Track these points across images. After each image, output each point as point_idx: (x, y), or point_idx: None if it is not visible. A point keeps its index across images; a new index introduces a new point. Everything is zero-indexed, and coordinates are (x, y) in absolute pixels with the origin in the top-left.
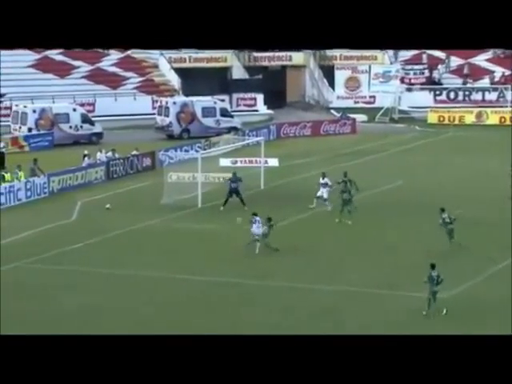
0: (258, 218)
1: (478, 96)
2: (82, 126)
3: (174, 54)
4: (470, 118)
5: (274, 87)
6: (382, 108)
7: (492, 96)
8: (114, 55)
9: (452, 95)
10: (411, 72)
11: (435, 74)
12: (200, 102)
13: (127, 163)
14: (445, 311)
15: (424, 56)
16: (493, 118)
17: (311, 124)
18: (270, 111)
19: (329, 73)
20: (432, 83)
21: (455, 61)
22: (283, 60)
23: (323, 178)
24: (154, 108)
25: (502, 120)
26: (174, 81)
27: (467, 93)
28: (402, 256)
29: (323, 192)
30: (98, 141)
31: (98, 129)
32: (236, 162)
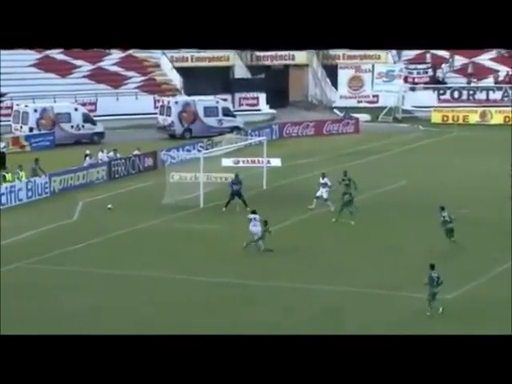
0: (254, 216)
1: (482, 95)
2: (83, 126)
3: (175, 53)
4: (474, 118)
5: (277, 86)
6: (385, 107)
7: (496, 95)
8: (116, 54)
9: (456, 95)
10: (415, 71)
11: (439, 74)
12: (202, 101)
13: (129, 163)
14: (441, 310)
15: (428, 55)
16: (497, 118)
17: (314, 124)
18: (272, 111)
19: (332, 72)
20: (436, 82)
21: (459, 60)
22: (286, 59)
23: (323, 178)
24: (155, 107)
25: (507, 119)
26: (176, 80)
27: (471, 92)
28: (405, 256)
29: (323, 192)
30: (100, 140)
31: (99, 128)
32: (238, 161)
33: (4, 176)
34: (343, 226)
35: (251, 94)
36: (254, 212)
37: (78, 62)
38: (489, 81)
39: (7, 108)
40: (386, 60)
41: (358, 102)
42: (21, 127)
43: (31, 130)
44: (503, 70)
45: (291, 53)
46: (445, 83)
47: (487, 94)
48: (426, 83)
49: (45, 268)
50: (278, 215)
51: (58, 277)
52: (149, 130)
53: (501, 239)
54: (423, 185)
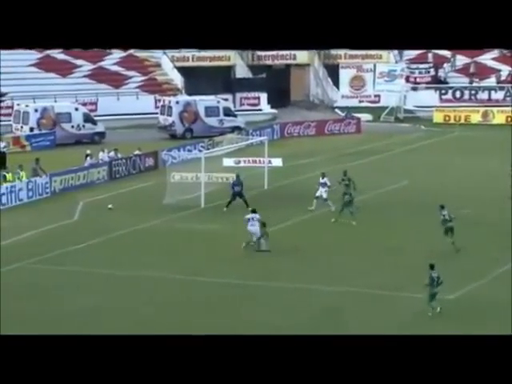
0: (253, 216)
1: (484, 95)
2: (84, 126)
3: (176, 52)
4: (476, 118)
5: (278, 86)
6: (387, 107)
7: (498, 95)
8: (117, 54)
9: (458, 94)
10: (416, 71)
11: (441, 73)
12: (203, 101)
13: (130, 163)
14: (439, 309)
15: (430, 55)
16: (499, 118)
17: (315, 123)
18: (273, 110)
19: (333, 72)
20: (438, 82)
21: (461, 59)
22: (287, 59)
23: (322, 178)
24: (156, 107)
25: (509, 119)
26: (177, 80)
27: (473, 92)
28: (406, 257)
29: (322, 192)
30: (101, 140)
31: (100, 128)
32: (239, 161)
33: (4, 176)
34: (344, 226)
35: (252, 94)
36: (253, 211)
37: (79, 62)
38: (491, 80)
39: (8, 108)
40: (387, 59)
41: (360, 101)
42: (21, 127)
43: (32, 129)
44: (505, 70)
45: (292, 52)
46: (447, 83)
47: (489, 94)
48: (427, 83)
49: (45, 268)
50: (279, 215)
51: (58, 277)
52: (150, 129)
53: (501, 239)
54: (425, 185)
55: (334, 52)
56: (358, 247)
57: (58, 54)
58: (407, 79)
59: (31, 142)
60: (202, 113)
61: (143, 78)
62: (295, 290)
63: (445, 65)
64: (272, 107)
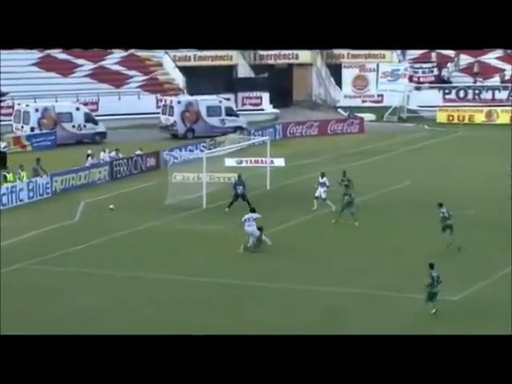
0: (249, 217)
1: (488, 95)
2: (85, 126)
3: (178, 52)
4: (479, 118)
5: (280, 86)
6: (390, 107)
7: (502, 95)
8: (118, 53)
9: (461, 94)
10: (420, 70)
11: (444, 73)
12: (205, 100)
13: (131, 163)
14: (434, 311)
15: (433, 54)
16: (503, 117)
17: (318, 123)
18: (276, 110)
19: (336, 71)
20: (441, 82)
21: (465, 59)
22: (289, 58)
23: (322, 178)
24: (158, 107)
25: None
26: (179, 79)
27: (477, 91)
28: (407, 257)
29: (321, 192)
30: (102, 140)
31: (101, 128)
32: (241, 162)
33: (5, 176)
34: (346, 226)
35: (254, 94)
36: (252, 210)
37: (80, 61)
38: (495, 80)
39: (8, 107)
40: (390, 59)
41: (363, 101)
42: (22, 127)
43: (32, 129)
44: (509, 69)
45: (295, 52)
46: (450, 82)
47: (493, 94)
48: (431, 82)
49: (46, 269)
50: (281, 215)
51: (58, 278)
52: (151, 129)
53: (501, 239)
54: (428, 185)
55: (336, 51)
56: (359, 247)
57: (58, 53)
58: (410, 79)
59: (32, 141)
60: (203, 113)
61: (145, 77)
62: (295, 291)
63: (448, 64)
64: (274, 107)
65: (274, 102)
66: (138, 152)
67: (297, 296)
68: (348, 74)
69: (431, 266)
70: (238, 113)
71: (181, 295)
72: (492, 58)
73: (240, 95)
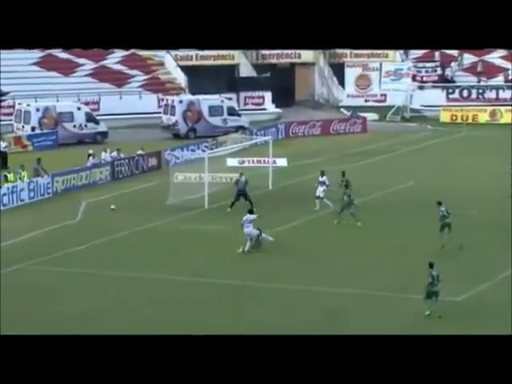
0: (245, 218)
1: (491, 94)
2: (86, 125)
3: (180, 51)
4: (483, 117)
5: (283, 85)
6: (393, 106)
7: (506, 94)
8: (119, 53)
9: (465, 93)
10: (423, 70)
11: (448, 72)
12: (207, 100)
13: (132, 163)
14: (428, 313)
15: (436, 53)
16: (507, 117)
17: (321, 123)
18: (278, 110)
19: (339, 70)
20: (444, 81)
21: (468, 58)
22: (292, 57)
23: (322, 176)
24: (159, 107)
25: None
26: (181, 79)
27: (481, 91)
28: (409, 257)
29: (320, 191)
30: (103, 140)
31: (102, 128)
32: (244, 161)
33: (6, 176)
34: (348, 226)
35: (257, 93)
36: (249, 212)
37: (81, 61)
38: (499, 79)
39: (9, 107)
40: (393, 58)
41: (366, 100)
42: (23, 127)
43: (33, 129)
44: None
45: (297, 51)
46: (454, 82)
47: (497, 93)
48: (434, 82)
49: (47, 269)
50: (283, 216)
51: (59, 278)
52: (153, 129)
53: (501, 239)
54: (431, 185)
55: (339, 51)
56: (361, 247)
57: (60, 52)
58: (414, 78)
59: (33, 141)
60: (205, 112)
61: (146, 76)
62: (296, 291)
63: (452, 63)
64: (276, 106)
65: (276, 101)
66: (140, 152)
67: (297, 296)
68: (351, 74)
69: (431, 266)
70: (240, 112)
71: (181, 295)
72: (496, 57)
73: (242, 95)
